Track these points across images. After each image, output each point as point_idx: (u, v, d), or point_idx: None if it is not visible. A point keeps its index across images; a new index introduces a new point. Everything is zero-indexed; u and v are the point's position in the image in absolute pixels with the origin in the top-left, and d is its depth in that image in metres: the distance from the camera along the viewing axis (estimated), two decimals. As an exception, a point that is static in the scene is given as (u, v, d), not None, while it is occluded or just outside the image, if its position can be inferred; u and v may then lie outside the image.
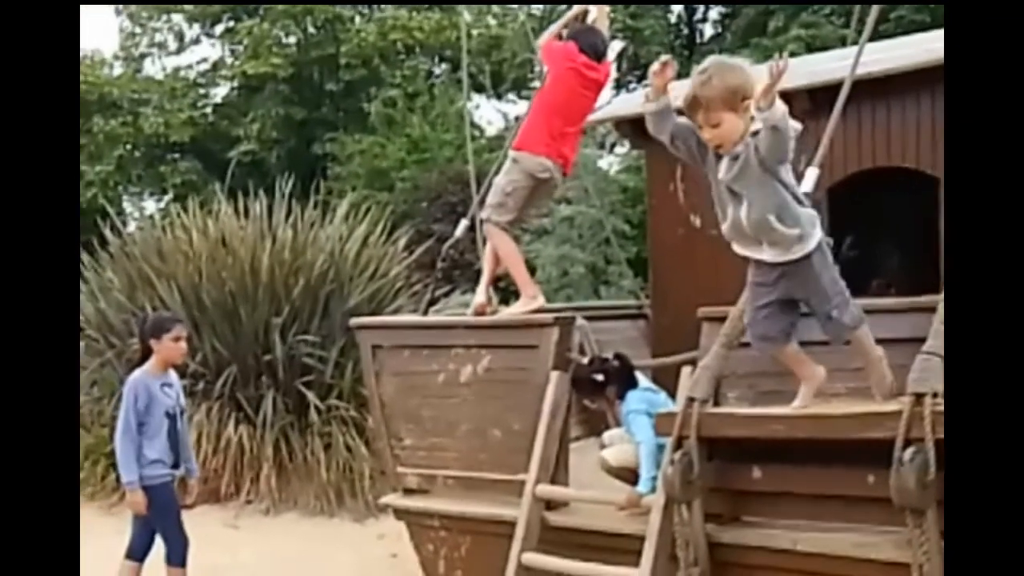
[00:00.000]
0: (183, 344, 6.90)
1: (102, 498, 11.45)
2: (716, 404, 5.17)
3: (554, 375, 6.00)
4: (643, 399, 5.68)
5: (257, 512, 10.18)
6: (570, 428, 6.22)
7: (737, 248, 4.56)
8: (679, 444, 5.00)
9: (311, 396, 10.67)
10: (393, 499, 7.07)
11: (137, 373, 6.72)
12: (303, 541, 9.66)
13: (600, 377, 5.88)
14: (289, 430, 10.67)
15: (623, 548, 5.34)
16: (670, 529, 5.08)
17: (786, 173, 4.34)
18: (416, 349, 6.83)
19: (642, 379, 5.90)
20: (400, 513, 7.10)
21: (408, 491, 6.91)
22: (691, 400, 5.04)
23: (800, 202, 4.38)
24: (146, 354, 6.80)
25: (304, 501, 10.59)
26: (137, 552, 6.83)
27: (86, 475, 11.80)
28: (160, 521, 6.75)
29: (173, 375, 6.95)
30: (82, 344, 12.17)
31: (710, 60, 4.21)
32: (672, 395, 5.59)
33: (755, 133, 4.17)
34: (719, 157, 4.38)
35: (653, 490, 5.34)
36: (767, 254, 4.38)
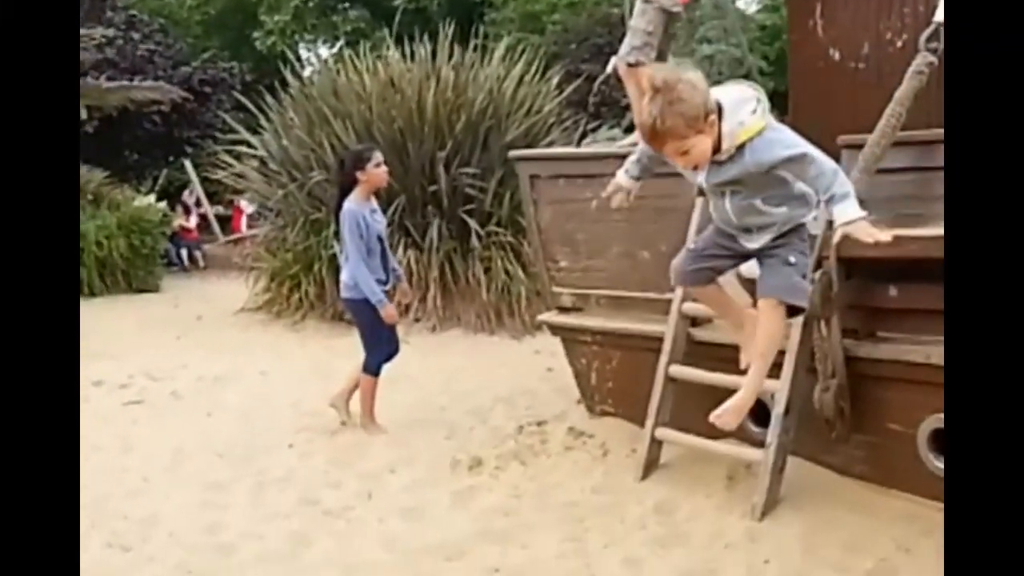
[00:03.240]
0: (384, 168, 7.09)
1: (287, 316, 11.98)
2: (855, 227, 5.05)
3: (699, 201, 5.93)
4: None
5: (424, 329, 10.50)
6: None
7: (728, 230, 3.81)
8: (819, 264, 4.93)
9: (472, 223, 10.84)
10: (549, 317, 7.19)
11: (349, 204, 6.92)
12: (465, 356, 9.94)
13: None
14: (453, 255, 10.91)
15: (763, 361, 5.35)
16: (809, 344, 5.06)
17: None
18: (571, 178, 6.83)
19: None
20: (555, 329, 7.23)
21: (563, 309, 7.02)
22: (831, 223, 4.95)
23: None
24: (351, 186, 6.99)
25: (466, 320, 10.88)
26: (374, 366, 7.19)
27: (273, 295, 12.36)
28: (370, 333, 7.13)
29: (375, 202, 7.17)
30: (266, 177, 12.56)
31: (660, 82, 3.16)
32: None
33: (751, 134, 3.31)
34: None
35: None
36: (755, 241, 3.61)
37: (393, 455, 6.65)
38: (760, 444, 5.26)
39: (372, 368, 7.15)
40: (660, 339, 5.91)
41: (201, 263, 19.68)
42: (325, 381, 8.96)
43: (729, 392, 5.62)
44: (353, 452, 6.78)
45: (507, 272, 10.70)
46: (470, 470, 6.25)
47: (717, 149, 3.24)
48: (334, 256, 11.00)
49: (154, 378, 9.51)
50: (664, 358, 5.83)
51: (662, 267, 6.11)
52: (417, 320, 10.74)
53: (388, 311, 7.04)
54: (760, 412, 5.65)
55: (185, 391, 8.98)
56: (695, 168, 3.37)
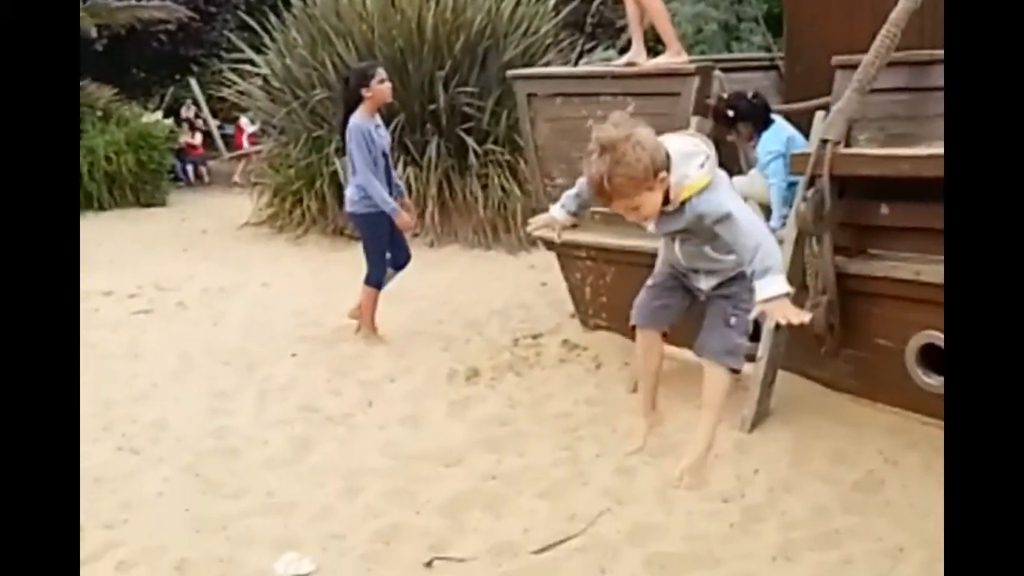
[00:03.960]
0: (388, 84, 6.92)
1: (290, 230, 11.86)
2: (847, 146, 4.92)
3: (694, 120, 5.78)
4: (778, 139, 5.43)
5: (423, 245, 10.36)
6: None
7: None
8: (812, 182, 4.81)
9: (470, 141, 10.67)
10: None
11: (355, 119, 6.77)
12: (462, 270, 9.84)
13: (732, 113, 5.61)
14: (451, 172, 10.75)
15: (755, 276, 5.26)
16: (801, 261, 4.96)
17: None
18: (568, 97, 6.67)
19: (778, 120, 5.63)
20: (550, 245, 7.12)
21: (558, 225, 6.89)
22: (824, 141, 4.82)
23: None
24: (355, 103, 6.83)
25: (463, 235, 10.76)
26: (375, 279, 7.10)
27: (276, 210, 12.23)
28: (374, 246, 7.03)
29: (379, 118, 7.03)
30: (270, 95, 12.34)
31: (607, 142, 2.85)
32: (806, 138, 5.34)
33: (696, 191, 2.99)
34: None
35: (784, 227, 5.20)
36: (703, 282, 3.24)
37: (392, 365, 6.59)
38: (751, 359, 5.18)
39: (373, 281, 7.07)
40: (653, 255, 5.78)
41: (206, 178, 19.52)
42: (326, 294, 8.90)
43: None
44: (353, 362, 6.72)
45: (503, 189, 10.56)
46: (467, 381, 6.20)
47: (666, 201, 3.05)
48: (335, 172, 10.86)
49: (161, 289, 9.43)
50: (657, 274, 5.73)
51: (656, 185, 6.02)
52: (415, 236, 10.58)
53: (403, 219, 6.98)
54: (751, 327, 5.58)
55: (191, 302, 8.91)
56: (644, 220, 3.07)
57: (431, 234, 10.62)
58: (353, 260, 8.05)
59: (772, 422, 5.02)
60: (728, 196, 2.99)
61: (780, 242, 5.09)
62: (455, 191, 10.73)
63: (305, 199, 11.52)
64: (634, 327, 3.37)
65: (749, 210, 2.98)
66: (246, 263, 10.75)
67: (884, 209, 4.77)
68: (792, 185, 5.16)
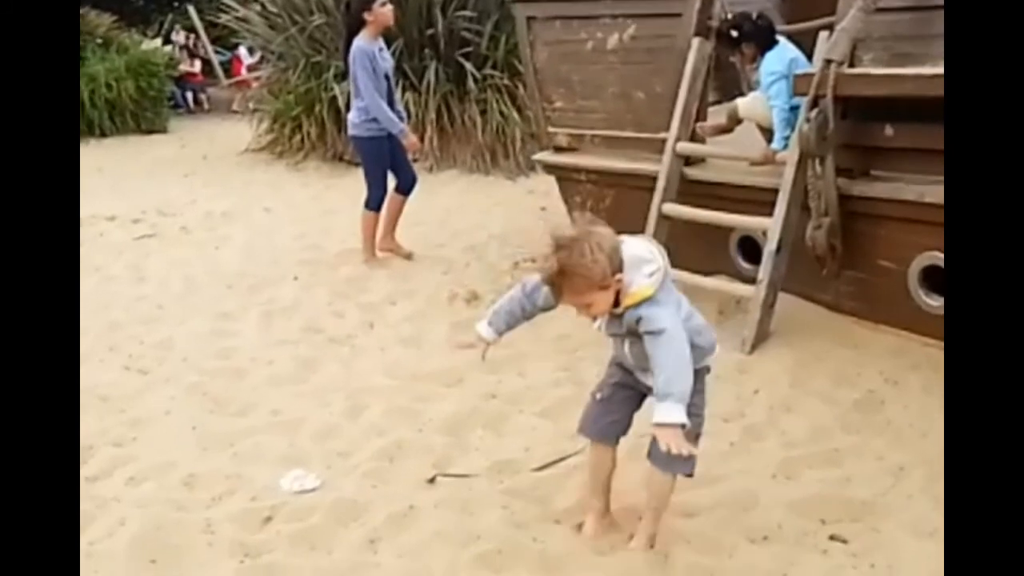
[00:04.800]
0: (389, 7, 6.75)
1: (289, 156, 11.70)
2: (851, 66, 4.76)
3: (695, 41, 5.62)
4: (781, 60, 5.24)
5: (422, 170, 10.13)
6: (708, 92, 5.89)
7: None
8: (815, 103, 4.67)
9: (469, 66, 10.46)
10: (545, 156, 6.93)
11: (359, 43, 6.62)
12: (461, 195, 9.71)
13: (735, 33, 5.43)
14: (449, 97, 10.56)
15: (757, 200, 5.14)
16: (803, 182, 4.83)
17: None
18: (567, 20, 6.46)
19: (782, 41, 5.44)
20: (550, 168, 6.99)
21: (558, 149, 6.75)
22: (828, 61, 4.66)
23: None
24: (358, 27, 6.68)
25: (462, 160, 10.61)
26: (375, 203, 6.99)
27: (276, 136, 12.05)
28: (374, 170, 6.91)
29: (382, 42, 6.87)
30: (267, 20, 12.07)
31: (566, 240, 2.79)
32: (809, 59, 5.17)
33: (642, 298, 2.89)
34: None
35: (786, 148, 5.06)
36: (651, 381, 2.98)
37: (393, 288, 6.50)
38: (751, 281, 5.09)
39: (373, 204, 6.96)
40: (654, 178, 5.68)
41: (206, 105, 19.27)
42: (326, 219, 8.79)
43: (721, 229, 5.48)
44: (354, 285, 6.62)
45: (502, 114, 10.38)
46: (467, 303, 6.10)
47: (617, 303, 2.92)
48: (335, 98, 10.66)
49: (164, 214, 9.32)
50: (657, 196, 5.62)
51: (656, 107, 5.87)
52: (415, 161, 10.46)
53: (410, 140, 6.89)
54: (751, 249, 5.47)
55: (194, 226, 8.79)
56: (594, 318, 3.03)
57: (430, 159, 10.47)
58: (353, 186, 7.88)
59: (773, 344, 4.92)
60: (668, 314, 2.89)
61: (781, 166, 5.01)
62: (454, 116, 10.54)
63: (305, 125, 11.34)
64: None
65: (683, 336, 2.87)
66: (247, 188, 10.62)
67: (888, 130, 4.62)
68: (795, 109, 5.00)
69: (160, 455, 4.08)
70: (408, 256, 7.14)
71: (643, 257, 2.90)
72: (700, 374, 3.09)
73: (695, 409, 3.02)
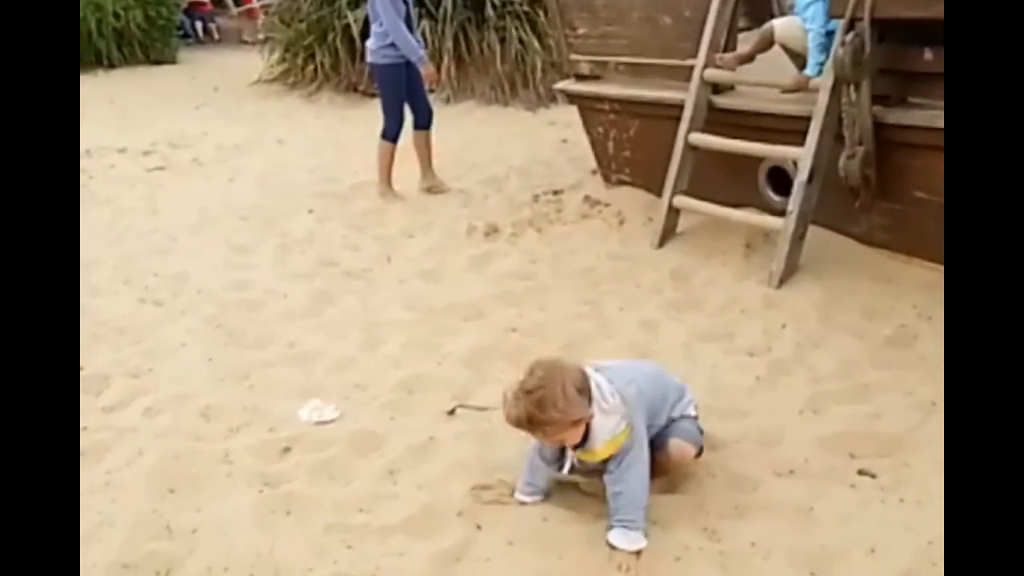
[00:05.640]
0: None
1: (302, 87, 11.63)
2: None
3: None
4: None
5: (439, 100, 10.11)
6: (738, 18, 5.78)
7: None
8: (851, 26, 4.57)
9: (487, -9, 10.31)
10: (567, 84, 6.85)
11: None
12: (480, 126, 9.64)
13: None
14: (467, 25, 10.41)
15: (788, 128, 5.05)
16: (837, 109, 4.74)
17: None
18: (591, -58, 6.34)
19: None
20: (572, 98, 6.91)
21: (581, 77, 6.67)
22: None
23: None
24: None
25: (480, 91, 10.51)
26: (392, 133, 6.96)
27: (288, 66, 11.96)
28: (391, 99, 6.88)
29: None
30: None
31: (539, 379, 2.83)
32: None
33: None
34: None
35: (819, 75, 4.98)
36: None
37: (410, 221, 6.48)
38: (780, 213, 5.03)
39: (390, 135, 6.92)
40: (680, 106, 5.60)
41: (215, 36, 19.14)
42: (341, 150, 8.75)
43: (750, 160, 5.40)
44: (370, 218, 6.62)
45: (522, 42, 10.23)
46: (486, 236, 6.09)
47: (586, 437, 2.97)
48: (348, 26, 10.54)
49: (176, 146, 9.30)
50: (684, 125, 5.54)
51: (684, 33, 5.77)
52: (431, 91, 10.36)
53: (429, 70, 6.88)
54: (781, 180, 5.41)
55: (206, 158, 8.78)
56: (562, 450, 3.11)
57: (447, 90, 10.37)
58: (368, 117, 7.82)
59: (801, 277, 4.88)
60: (639, 437, 2.98)
61: (815, 90, 4.91)
62: (471, 45, 10.41)
63: (317, 54, 11.24)
64: None
65: (647, 457, 3.02)
66: (259, 120, 10.57)
67: (928, 54, 4.51)
68: (831, 33, 4.90)
69: (177, 386, 4.11)
70: (441, 186, 7.22)
71: (610, 409, 2.95)
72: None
73: (693, 436, 3.23)
